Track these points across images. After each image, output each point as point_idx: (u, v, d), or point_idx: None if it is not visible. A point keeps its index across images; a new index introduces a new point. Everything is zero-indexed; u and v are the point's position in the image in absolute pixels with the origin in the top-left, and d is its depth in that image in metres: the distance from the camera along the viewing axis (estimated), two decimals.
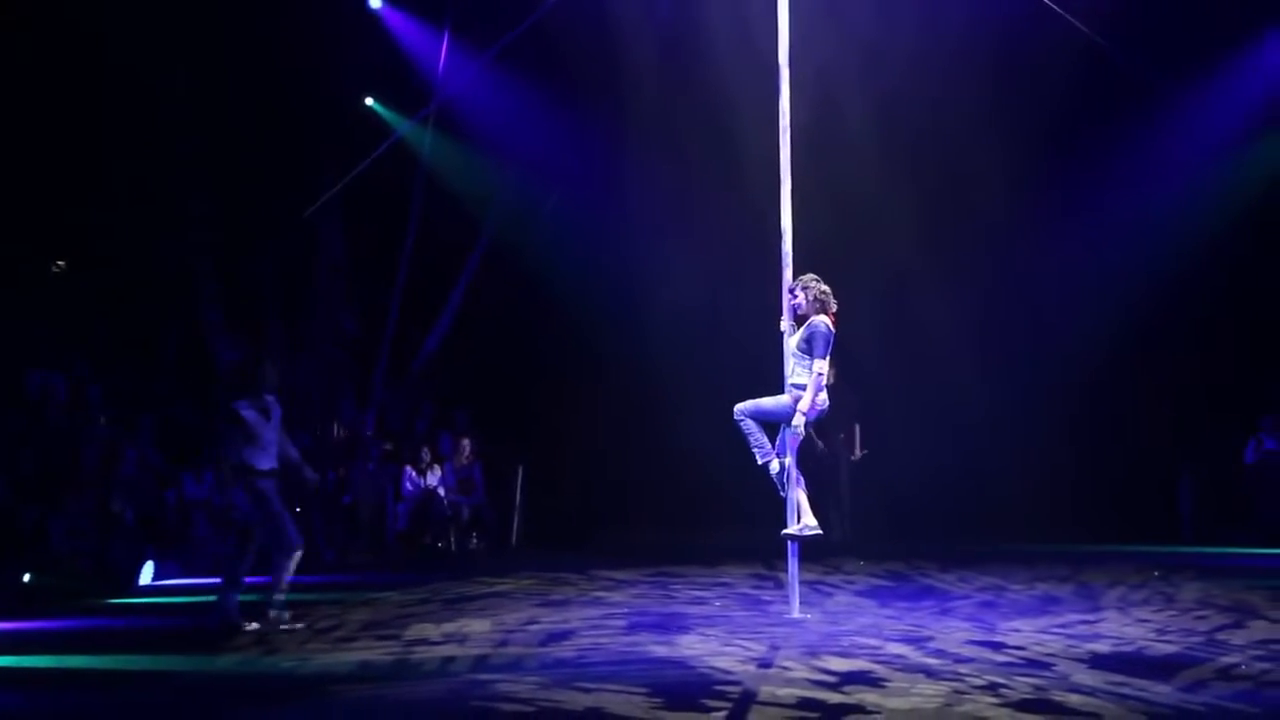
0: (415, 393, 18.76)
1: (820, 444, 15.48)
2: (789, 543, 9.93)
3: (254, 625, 9.81)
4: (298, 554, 9.97)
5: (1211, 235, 17.39)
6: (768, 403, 9.88)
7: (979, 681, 7.25)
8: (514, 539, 17.60)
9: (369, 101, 18.05)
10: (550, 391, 19.10)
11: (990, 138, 17.17)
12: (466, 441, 17.44)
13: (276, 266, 17.55)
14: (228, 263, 17.29)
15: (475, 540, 17.20)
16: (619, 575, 12.72)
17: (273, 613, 9.92)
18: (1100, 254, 17.83)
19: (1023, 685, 7.14)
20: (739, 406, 9.90)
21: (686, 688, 7.19)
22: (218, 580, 10.37)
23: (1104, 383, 17.86)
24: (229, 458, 9.92)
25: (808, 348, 9.68)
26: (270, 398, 10.05)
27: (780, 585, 11.20)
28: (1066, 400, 17.86)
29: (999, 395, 17.80)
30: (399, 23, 17.52)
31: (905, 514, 17.06)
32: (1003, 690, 7.03)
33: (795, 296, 9.88)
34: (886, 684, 7.23)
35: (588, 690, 7.17)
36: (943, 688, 7.11)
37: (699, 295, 18.03)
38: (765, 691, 7.08)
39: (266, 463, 9.92)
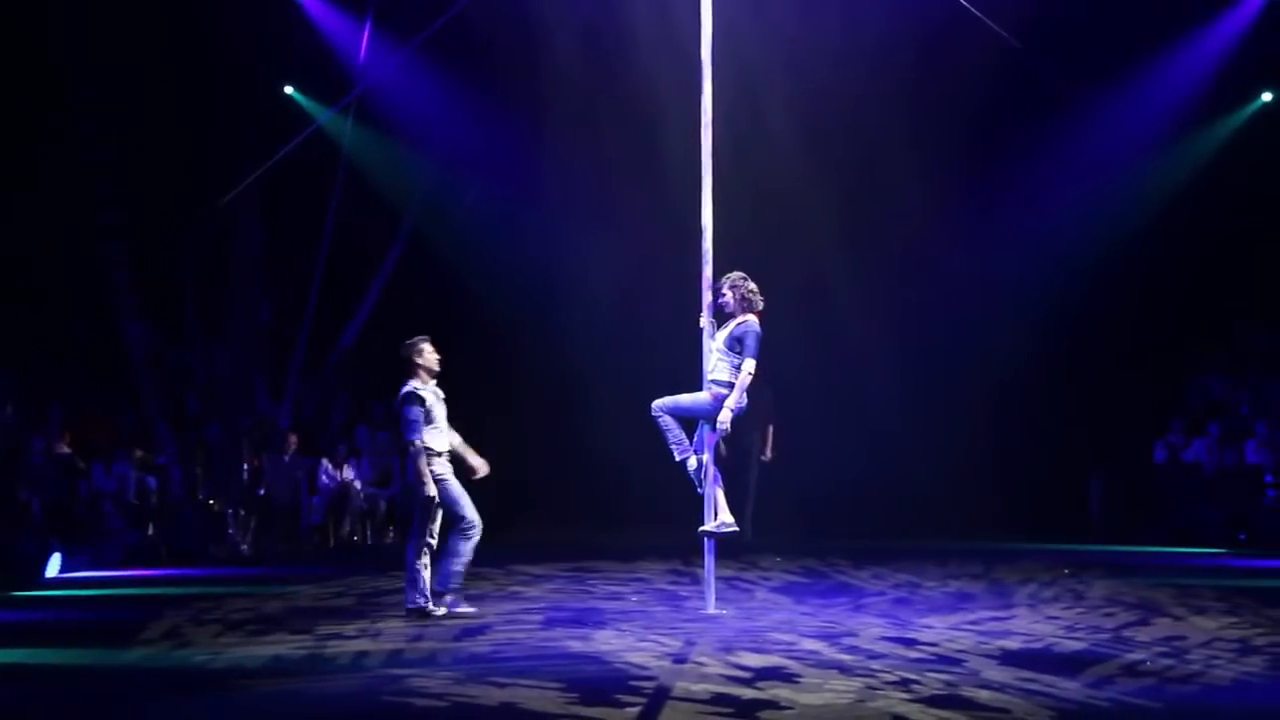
0: (331, 385, 18.56)
1: (722, 449, 15.48)
2: (706, 539, 9.95)
3: (440, 610, 9.67)
4: (476, 534, 9.85)
5: (1126, 239, 17.68)
6: (686, 399, 9.90)
7: (891, 677, 7.31)
8: None
9: (288, 90, 17.86)
10: (468, 385, 18.84)
11: (910, 138, 17.36)
12: (383, 435, 17.29)
13: (192, 255, 17.30)
14: (141, 251, 17.01)
15: (391, 534, 17.07)
16: (536, 570, 12.69)
17: (449, 597, 9.75)
18: (1017, 256, 18.05)
19: (934, 681, 7.21)
20: (657, 402, 9.91)
21: (601, 683, 7.19)
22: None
23: (1019, 383, 18.08)
24: (411, 440, 9.86)
25: (739, 346, 9.68)
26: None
27: (697, 581, 11.22)
28: (982, 400, 18.05)
29: (915, 394, 17.98)
30: (320, 10, 17.35)
31: (820, 512, 17.14)
32: (914, 686, 7.10)
33: (723, 295, 9.87)
34: (800, 679, 7.28)
35: (502, 685, 7.14)
36: (855, 683, 7.16)
37: (617, 291, 18.02)
38: (680, 687, 7.09)
39: (441, 444, 10.13)
